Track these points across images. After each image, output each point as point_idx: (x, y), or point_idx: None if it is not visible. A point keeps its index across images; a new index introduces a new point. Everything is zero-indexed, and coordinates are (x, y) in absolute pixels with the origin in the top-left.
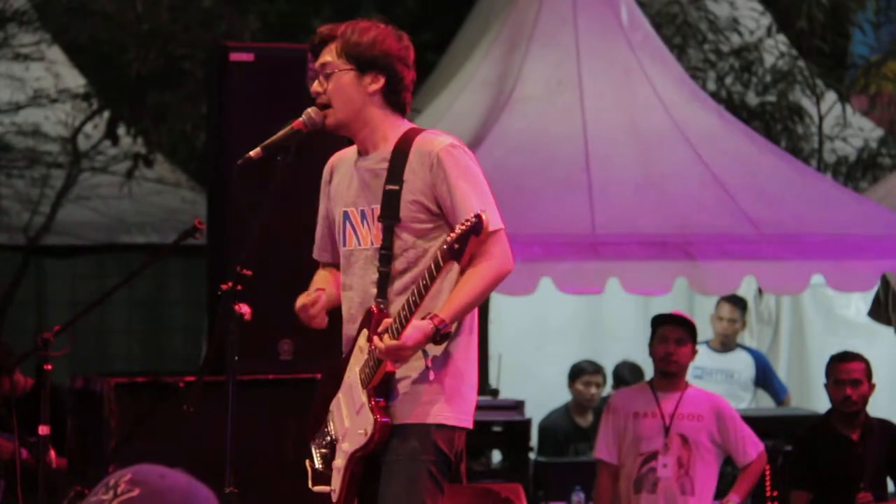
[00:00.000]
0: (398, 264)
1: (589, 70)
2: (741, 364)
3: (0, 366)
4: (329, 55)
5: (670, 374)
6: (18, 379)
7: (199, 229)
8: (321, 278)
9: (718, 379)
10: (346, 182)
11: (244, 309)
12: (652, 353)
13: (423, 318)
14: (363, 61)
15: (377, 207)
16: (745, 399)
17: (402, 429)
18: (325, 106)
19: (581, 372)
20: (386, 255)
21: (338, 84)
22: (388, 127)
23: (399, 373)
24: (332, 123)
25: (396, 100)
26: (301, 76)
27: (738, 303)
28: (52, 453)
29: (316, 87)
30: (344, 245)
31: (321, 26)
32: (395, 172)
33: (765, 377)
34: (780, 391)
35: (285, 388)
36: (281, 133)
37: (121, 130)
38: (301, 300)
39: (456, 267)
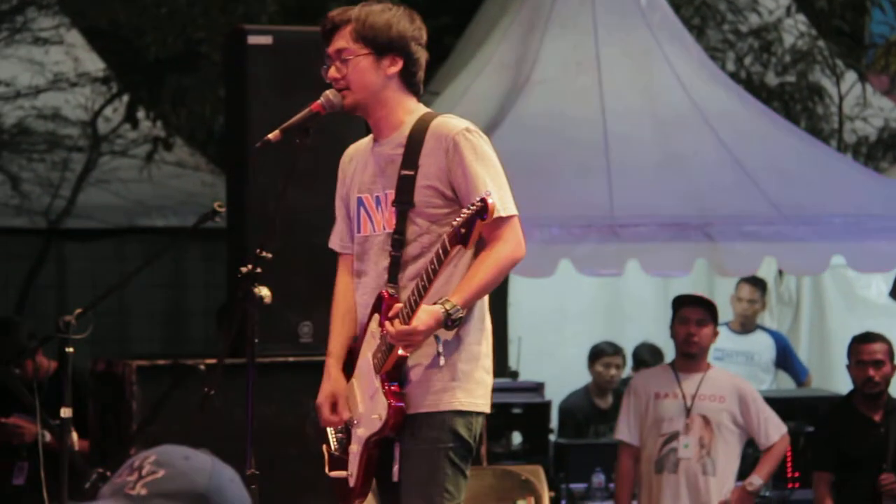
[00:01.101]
0: (412, 249)
1: (607, 51)
2: (761, 346)
3: (23, 349)
4: (344, 40)
5: (691, 355)
6: (42, 362)
7: (218, 212)
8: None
9: (739, 361)
10: (361, 169)
11: (264, 291)
12: (673, 335)
13: (434, 303)
14: (380, 44)
15: (391, 192)
16: (766, 381)
17: (419, 418)
18: (344, 90)
19: (601, 353)
20: (399, 239)
21: (356, 69)
22: (404, 110)
23: (412, 359)
24: (351, 103)
25: (413, 81)
26: (319, 59)
27: (758, 283)
28: (75, 435)
29: (333, 73)
30: (359, 231)
31: (332, 12)
32: (410, 157)
33: (785, 358)
34: (801, 372)
35: (305, 371)
36: (299, 115)
37: (140, 114)
38: (321, 402)
39: (469, 252)
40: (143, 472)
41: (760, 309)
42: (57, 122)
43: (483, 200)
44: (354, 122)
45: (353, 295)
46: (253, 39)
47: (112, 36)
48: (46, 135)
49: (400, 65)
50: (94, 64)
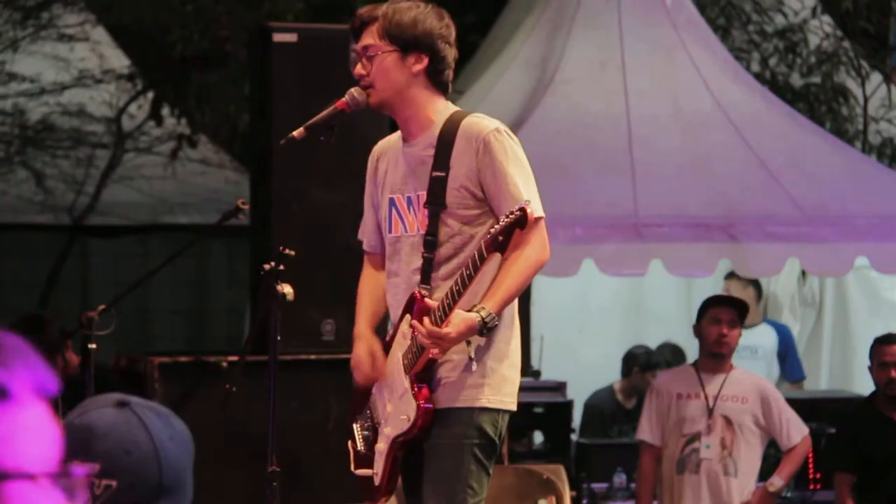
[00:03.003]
0: (444, 250)
1: (632, 51)
2: (763, 338)
3: (53, 345)
4: (370, 37)
5: (721, 355)
6: (71, 358)
7: (241, 209)
8: (368, 290)
9: (744, 356)
10: (392, 169)
11: (287, 289)
12: (701, 335)
13: (470, 310)
14: (406, 41)
15: (423, 194)
16: (773, 374)
17: (446, 413)
18: (369, 87)
19: (656, 366)
20: (431, 241)
21: (381, 66)
22: (433, 109)
23: (441, 358)
24: (376, 101)
25: (439, 79)
26: (344, 57)
27: (749, 279)
28: None
29: (359, 69)
30: (390, 232)
31: (360, 8)
32: (441, 158)
33: (785, 350)
34: (795, 371)
35: (327, 369)
36: (324, 113)
37: (164, 111)
38: (361, 357)
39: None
40: (96, 490)
41: (756, 302)
42: (82, 119)
43: (522, 210)
44: (378, 120)
45: (379, 290)
46: (278, 37)
47: (137, 33)
48: (71, 131)
49: (425, 62)
50: (120, 61)
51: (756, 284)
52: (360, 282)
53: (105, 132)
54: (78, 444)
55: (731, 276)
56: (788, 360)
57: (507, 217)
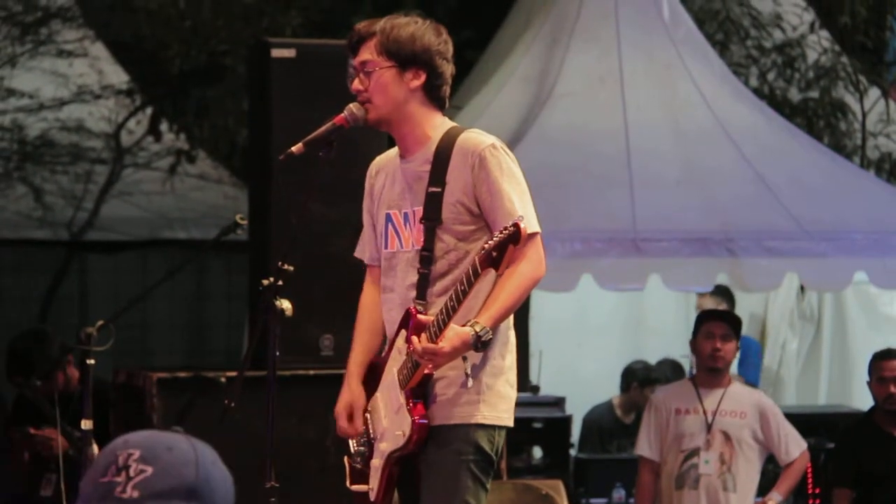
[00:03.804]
0: (439, 266)
1: (630, 66)
2: None
3: (55, 359)
4: (368, 53)
5: (716, 370)
6: (72, 373)
7: (240, 224)
8: (368, 310)
9: None
10: (389, 184)
11: (285, 304)
12: (696, 350)
13: (464, 325)
14: (403, 57)
15: (419, 209)
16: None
17: (442, 430)
18: (367, 102)
19: (654, 382)
20: (427, 256)
21: (379, 81)
22: (430, 125)
23: (437, 374)
24: (374, 118)
25: (437, 94)
26: (342, 72)
27: (724, 293)
28: (95, 447)
29: (357, 84)
30: (386, 247)
31: (358, 23)
32: (437, 174)
33: (742, 359)
34: (748, 377)
35: (326, 384)
36: (322, 129)
37: (163, 126)
38: (339, 411)
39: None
40: (131, 471)
41: None
42: (80, 135)
43: (516, 226)
44: (376, 135)
45: (379, 309)
46: (277, 52)
47: (136, 48)
48: (70, 147)
49: (423, 78)
50: (118, 76)
51: (730, 299)
52: (360, 305)
53: (104, 148)
54: (119, 442)
55: (703, 293)
56: (744, 367)
57: (501, 233)
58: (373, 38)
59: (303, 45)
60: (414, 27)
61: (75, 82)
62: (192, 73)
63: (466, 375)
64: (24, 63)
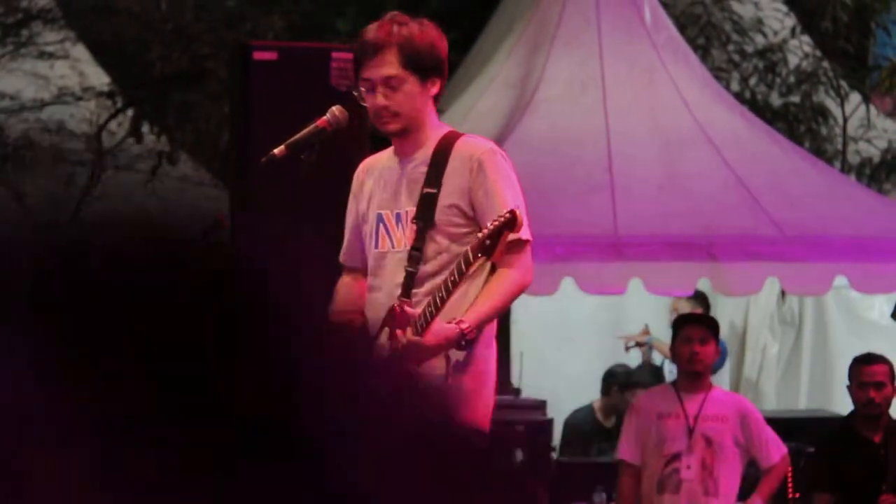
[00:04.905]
0: (429, 267)
1: (612, 71)
2: None
3: None
4: (392, 67)
5: (696, 374)
6: None
7: (221, 224)
8: (344, 293)
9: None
10: (381, 185)
11: None
12: (675, 354)
13: (449, 322)
14: (426, 68)
15: (412, 210)
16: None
17: None
18: (391, 116)
19: (635, 385)
20: (416, 255)
21: (408, 96)
22: (430, 127)
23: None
24: (399, 128)
25: (439, 97)
26: (324, 75)
27: (697, 297)
28: None
29: (382, 101)
30: (376, 247)
31: (368, 33)
32: (433, 176)
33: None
34: None
35: None
36: (305, 131)
37: (145, 128)
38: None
39: (484, 271)
40: None
41: None
42: (61, 136)
43: (512, 212)
44: (360, 137)
45: (354, 292)
46: (259, 55)
47: (117, 51)
48: (51, 148)
49: (438, 85)
50: (99, 78)
51: (705, 303)
52: (336, 286)
53: (85, 149)
54: None
55: (679, 297)
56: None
57: (496, 220)
58: (390, 49)
59: (284, 47)
60: (429, 35)
61: (56, 84)
62: (174, 75)
63: (447, 376)
64: (4, 64)
